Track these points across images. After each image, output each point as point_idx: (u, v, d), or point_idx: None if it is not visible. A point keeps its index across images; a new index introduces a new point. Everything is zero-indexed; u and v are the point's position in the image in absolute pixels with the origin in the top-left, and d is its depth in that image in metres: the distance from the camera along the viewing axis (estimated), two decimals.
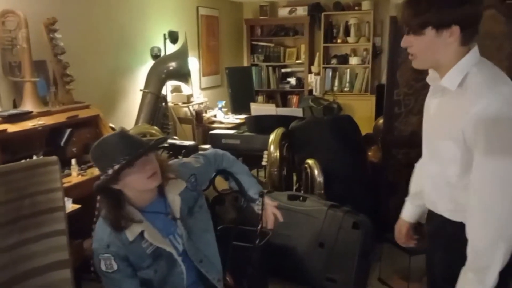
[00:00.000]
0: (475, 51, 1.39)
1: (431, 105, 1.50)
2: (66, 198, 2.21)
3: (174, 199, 1.70)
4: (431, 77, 1.52)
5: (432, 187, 1.55)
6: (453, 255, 1.47)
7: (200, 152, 1.97)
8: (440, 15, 1.33)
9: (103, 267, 1.60)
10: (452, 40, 1.35)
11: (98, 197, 1.66)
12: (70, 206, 2.44)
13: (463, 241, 1.39)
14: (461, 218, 1.44)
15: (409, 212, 1.77)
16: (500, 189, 1.31)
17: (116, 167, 1.53)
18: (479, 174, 1.33)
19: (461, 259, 1.40)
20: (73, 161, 2.85)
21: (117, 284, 1.62)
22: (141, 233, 1.61)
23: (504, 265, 1.34)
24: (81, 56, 3.57)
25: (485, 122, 1.27)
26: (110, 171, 1.55)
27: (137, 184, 1.60)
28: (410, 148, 3.37)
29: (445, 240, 1.54)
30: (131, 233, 1.59)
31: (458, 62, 1.37)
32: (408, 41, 1.41)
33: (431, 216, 1.60)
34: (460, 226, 1.42)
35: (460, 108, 1.33)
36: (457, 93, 1.37)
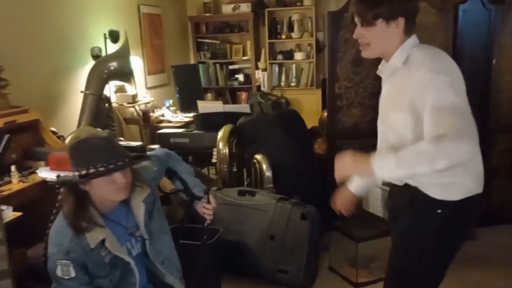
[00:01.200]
0: (414, 37, 1.64)
1: (383, 90, 1.73)
2: (5, 206, 2.14)
3: (139, 206, 1.70)
4: (381, 70, 1.73)
5: None
6: (410, 220, 1.65)
7: (151, 153, 1.95)
8: (390, 8, 1.57)
9: (58, 273, 1.56)
10: (398, 30, 1.60)
11: (61, 191, 1.62)
12: (11, 214, 2.35)
13: (427, 205, 1.59)
14: (414, 182, 1.61)
15: (354, 183, 1.91)
16: (450, 111, 1.43)
17: (91, 171, 1.51)
18: (428, 126, 1.46)
19: (427, 226, 1.61)
20: (13, 167, 2.75)
21: None
22: (102, 241, 1.58)
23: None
24: (16, 58, 3.43)
25: (428, 77, 1.47)
26: (83, 172, 1.52)
27: (105, 192, 1.59)
28: (353, 139, 3.48)
29: (403, 207, 1.69)
30: (92, 240, 1.56)
31: (402, 45, 1.61)
32: (360, 33, 1.64)
33: (390, 193, 1.80)
34: (414, 191, 1.61)
35: (407, 79, 1.55)
36: (403, 69, 1.60)
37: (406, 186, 1.65)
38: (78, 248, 1.56)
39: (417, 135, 1.53)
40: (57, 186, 2.28)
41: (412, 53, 1.59)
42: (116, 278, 1.66)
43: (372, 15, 1.58)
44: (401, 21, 1.58)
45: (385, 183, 1.84)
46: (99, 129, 3.76)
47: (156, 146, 4.00)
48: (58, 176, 1.65)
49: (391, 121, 1.66)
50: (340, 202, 1.95)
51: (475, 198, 1.64)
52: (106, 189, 1.57)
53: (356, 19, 1.64)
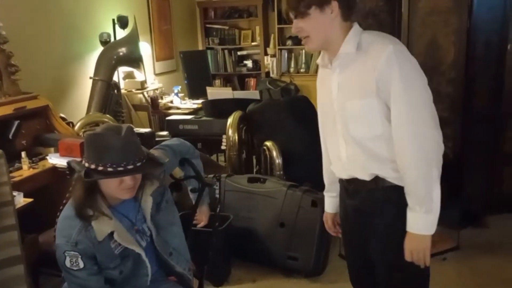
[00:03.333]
0: (356, 25, 1.57)
1: (332, 84, 1.60)
2: (16, 192, 2.13)
3: (146, 200, 1.68)
4: (322, 63, 1.65)
5: (358, 152, 1.58)
6: (388, 219, 1.58)
7: (164, 143, 1.92)
8: None
9: (67, 264, 1.55)
10: (334, 15, 1.51)
11: (73, 177, 1.60)
12: (22, 200, 2.35)
13: (395, 200, 1.53)
14: (391, 176, 1.55)
15: (329, 205, 1.88)
16: (421, 114, 1.46)
17: (100, 168, 1.48)
18: (400, 106, 1.46)
19: (397, 222, 1.53)
20: (23, 154, 2.75)
21: (81, 282, 1.58)
22: (111, 233, 1.56)
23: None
24: (26, 45, 3.42)
25: (397, 58, 1.44)
26: (92, 166, 1.50)
27: (111, 190, 1.57)
28: None
29: (377, 206, 1.60)
30: (100, 233, 1.55)
31: (348, 33, 1.54)
32: (298, 27, 1.55)
33: (353, 192, 1.67)
34: (390, 187, 1.55)
35: (367, 63, 1.48)
36: (358, 55, 1.52)
37: (376, 179, 1.57)
38: (86, 240, 1.55)
39: (385, 121, 1.50)
40: (67, 172, 2.30)
41: (364, 38, 1.53)
42: (126, 270, 1.65)
43: (303, 4, 1.50)
44: (334, 4, 1.50)
45: (341, 180, 1.73)
46: (108, 116, 3.75)
47: (165, 133, 4.00)
48: (69, 162, 1.62)
49: (349, 111, 1.55)
50: (328, 227, 1.91)
51: None
52: (113, 188, 1.56)
53: (290, 14, 1.55)
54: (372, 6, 3.59)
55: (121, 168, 1.49)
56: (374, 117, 1.51)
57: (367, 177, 1.58)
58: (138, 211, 1.69)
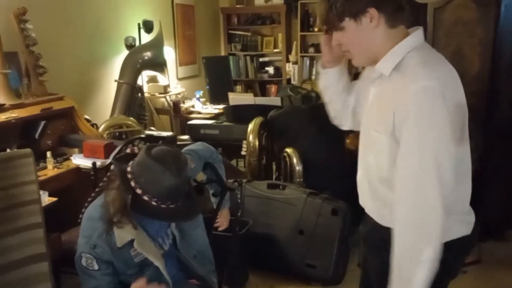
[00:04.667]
0: (417, 34, 1.30)
1: (370, 94, 1.41)
2: (42, 191, 2.17)
3: None
4: (367, 74, 1.48)
5: (365, 182, 1.45)
6: (384, 262, 1.32)
7: (191, 148, 1.93)
8: (351, 1, 1.26)
9: (83, 263, 1.58)
10: (374, 24, 1.26)
11: (113, 170, 1.58)
12: (47, 199, 2.40)
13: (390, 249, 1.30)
14: (388, 223, 1.35)
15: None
16: (425, 175, 1.20)
17: (144, 197, 1.47)
18: (405, 155, 1.23)
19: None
20: (49, 153, 2.81)
21: (93, 282, 1.60)
22: (131, 241, 1.57)
23: (431, 273, 1.22)
24: (53, 47, 3.49)
25: (420, 98, 1.18)
26: (138, 190, 1.48)
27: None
28: None
29: (376, 245, 1.46)
30: (120, 239, 1.56)
31: (395, 47, 1.28)
32: (336, 39, 1.34)
33: (366, 218, 1.52)
34: (388, 232, 1.32)
35: (394, 91, 1.25)
36: (393, 77, 1.28)
37: (377, 224, 1.41)
38: (105, 245, 1.56)
39: (387, 165, 1.29)
40: (91, 172, 2.33)
41: (407, 58, 1.26)
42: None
43: (335, 17, 1.28)
44: (373, 12, 1.24)
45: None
46: (131, 118, 3.79)
47: (186, 137, 4.04)
48: (113, 162, 1.61)
49: (371, 139, 1.36)
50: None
51: (462, 240, 1.37)
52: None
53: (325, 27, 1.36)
54: None
55: (164, 206, 1.49)
56: (383, 155, 1.30)
57: (371, 212, 1.46)
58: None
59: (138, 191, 1.48)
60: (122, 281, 1.66)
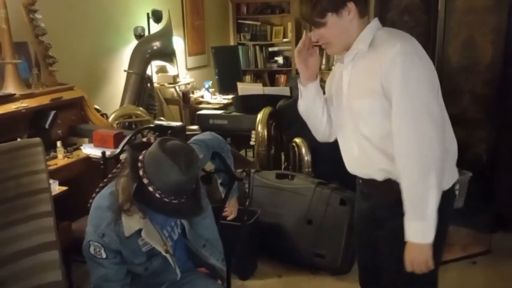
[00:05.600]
0: (376, 20, 1.55)
1: (344, 80, 1.58)
2: (52, 181, 2.20)
3: None
4: (339, 57, 1.61)
5: (370, 151, 1.56)
6: (398, 222, 1.48)
7: (199, 138, 1.93)
8: None
9: (91, 251, 1.60)
10: (352, 16, 1.48)
11: (126, 159, 1.58)
12: (57, 188, 2.42)
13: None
14: (397, 176, 1.50)
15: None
16: (422, 117, 1.41)
17: (150, 188, 1.48)
18: (399, 108, 1.42)
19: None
20: (59, 143, 2.82)
21: (102, 270, 1.61)
22: (139, 231, 1.58)
23: (439, 199, 1.42)
24: (63, 37, 3.50)
25: (401, 58, 1.40)
26: (144, 180, 1.48)
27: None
28: None
29: (387, 207, 1.58)
30: (128, 229, 1.57)
31: (364, 30, 1.50)
32: (318, 34, 1.51)
33: (364, 195, 1.68)
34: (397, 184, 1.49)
35: (375, 62, 1.45)
36: (369, 52, 1.49)
37: (388, 181, 1.54)
38: (113, 234, 1.57)
39: (385, 123, 1.47)
40: (101, 162, 2.34)
41: (378, 35, 1.50)
42: (152, 268, 1.67)
43: (317, 13, 1.47)
44: (351, 6, 1.47)
45: (359, 177, 1.69)
46: (141, 108, 3.79)
47: (195, 127, 4.04)
48: (127, 149, 1.61)
49: (358, 110, 1.54)
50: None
51: (448, 194, 1.56)
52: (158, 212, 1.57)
53: (307, 24, 1.53)
54: (408, 3, 3.55)
55: (166, 200, 1.49)
56: (381, 116, 1.48)
57: (380, 175, 1.56)
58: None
59: (145, 180, 1.48)
60: (130, 271, 1.67)
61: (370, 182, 1.61)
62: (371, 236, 1.68)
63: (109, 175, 1.68)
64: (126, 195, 1.54)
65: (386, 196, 1.57)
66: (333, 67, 1.78)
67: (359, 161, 1.61)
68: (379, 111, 1.48)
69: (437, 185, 1.41)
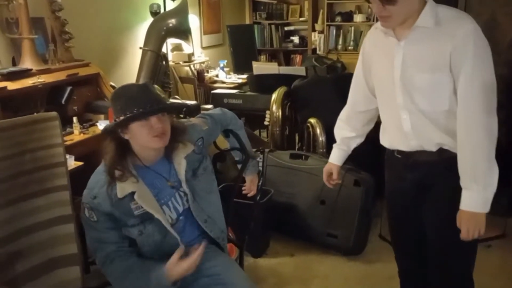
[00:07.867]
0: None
1: (396, 55, 1.62)
2: (68, 155, 2.22)
3: (180, 162, 1.69)
4: (386, 30, 1.65)
5: (413, 127, 1.64)
6: (450, 189, 1.59)
7: (206, 112, 1.94)
8: None
9: (86, 214, 1.63)
10: None
11: (106, 140, 1.65)
12: (73, 163, 2.45)
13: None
14: (451, 147, 1.60)
15: (338, 157, 2.01)
16: (489, 92, 1.50)
17: (128, 115, 1.54)
18: (470, 85, 1.50)
19: (457, 194, 1.55)
20: (75, 119, 2.85)
21: (96, 233, 1.64)
22: (132, 194, 1.59)
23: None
24: (79, 13, 3.50)
25: (474, 36, 1.49)
26: (121, 118, 1.55)
27: (142, 138, 1.59)
28: None
29: (441, 176, 1.65)
30: (121, 190, 1.58)
31: (425, 7, 1.55)
32: (388, 11, 1.54)
33: (415, 163, 1.70)
34: (454, 158, 1.57)
35: (444, 38, 1.52)
36: (434, 29, 1.54)
37: (440, 150, 1.63)
38: (105, 195, 1.59)
39: (453, 96, 1.54)
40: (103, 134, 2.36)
41: (440, 13, 1.55)
42: (147, 232, 1.65)
43: None
44: None
45: (400, 152, 1.75)
46: (156, 86, 3.80)
47: (210, 106, 4.03)
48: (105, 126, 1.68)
49: (421, 85, 1.59)
50: (327, 178, 2.04)
51: None
52: (144, 135, 1.58)
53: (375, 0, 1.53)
54: None
55: (147, 110, 1.55)
56: (443, 92, 1.55)
57: (433, 147, 1.64)
58: (172, 172, 1.70)
59: (121, 117, 1.55)
60: (127, 237, 1.67)
61: (418, 153, 1.68)
62: (418, 208, 1.74)
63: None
64: (110, 161, 1.60)
65: (437, 164, 1.65)
66: (362, 47, 1.83)
67: (409, 135, 1.66)
68: (441, 86, 1.55)
69: (494, 160, 1.52)
